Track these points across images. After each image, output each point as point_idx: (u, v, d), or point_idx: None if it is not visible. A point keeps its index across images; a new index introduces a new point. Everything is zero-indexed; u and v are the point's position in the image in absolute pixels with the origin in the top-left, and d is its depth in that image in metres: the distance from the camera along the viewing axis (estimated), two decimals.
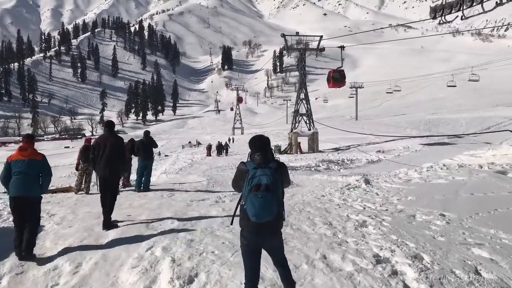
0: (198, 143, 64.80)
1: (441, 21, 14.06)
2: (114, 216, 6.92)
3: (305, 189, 11.61)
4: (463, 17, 13.25)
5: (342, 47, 33.43)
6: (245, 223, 3.32)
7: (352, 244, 5.15)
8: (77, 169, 11.53)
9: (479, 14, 12.61)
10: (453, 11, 13.28)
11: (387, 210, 7.62)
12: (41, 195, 5.34)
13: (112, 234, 5.85)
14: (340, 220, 6.60)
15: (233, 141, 47.82)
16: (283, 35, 37.42)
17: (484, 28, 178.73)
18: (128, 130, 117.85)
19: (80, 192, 11.31)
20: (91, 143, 7.15)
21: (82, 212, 7.96)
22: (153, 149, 11.72)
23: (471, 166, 13.79)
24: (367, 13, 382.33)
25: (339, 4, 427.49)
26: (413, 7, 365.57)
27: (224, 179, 14.89)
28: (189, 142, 67.92)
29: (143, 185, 11.23)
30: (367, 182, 11.62)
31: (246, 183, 3.30)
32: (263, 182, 3.23)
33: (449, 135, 36.18)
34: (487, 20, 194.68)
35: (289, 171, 19.43)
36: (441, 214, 7.07)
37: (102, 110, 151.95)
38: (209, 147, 40.22)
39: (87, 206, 8.92)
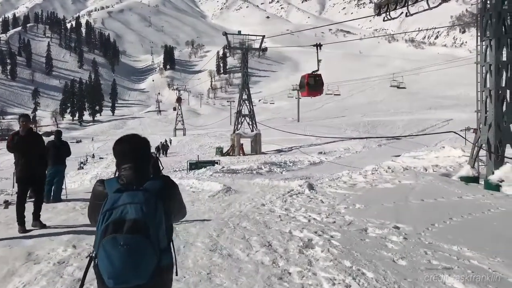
0: None
1: (385, 18, 13.57)
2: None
3: (244, 196, 10.47)
4: (408, 14, 12.81)
5: (318, 45, 25.76)
6: (101, 287, 1.94)
7: (296, 276, 3.97)
8: None
9: (424, 10, 12.21)
10: (398, 7, 12.79)
11: (334, 222, 6.64)
12: None
13: None
14: (282, 238, 5.46)
15: (170, 143, 46.92)
16: (225, 34, 36.48)
17: (419, 30, 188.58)
18: (63, 131, 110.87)
19: None
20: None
21: None
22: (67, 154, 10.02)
23: (416, 168, 13.41)
24: (308, 17, 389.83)
25: (282, 8, 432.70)
26: (352, 13, 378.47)
27: None
28: None
29: (53, 195, 9.49)
30: (310, 187, 10.69)
31: (100, 219, 1.93)
32: (128, 216, 1.87)
33: (388, 136, 36.84)
34: (419, 28, 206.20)
35: (230, 175, 18.79)
36: (395, 226, 6.21)
37: (35, 109, 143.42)
38: None
39: None
